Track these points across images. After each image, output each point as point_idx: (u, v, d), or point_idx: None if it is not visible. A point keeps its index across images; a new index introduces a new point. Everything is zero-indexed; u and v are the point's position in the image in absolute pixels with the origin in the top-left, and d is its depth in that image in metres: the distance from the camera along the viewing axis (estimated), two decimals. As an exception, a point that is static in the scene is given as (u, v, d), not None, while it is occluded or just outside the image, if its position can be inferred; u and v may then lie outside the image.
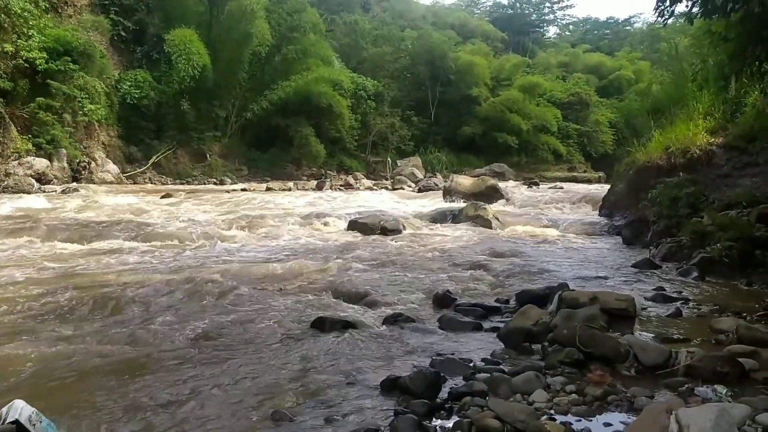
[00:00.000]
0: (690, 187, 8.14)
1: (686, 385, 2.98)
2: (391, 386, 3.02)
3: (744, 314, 4.39)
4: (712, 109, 10.03)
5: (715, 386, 2.94)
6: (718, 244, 6.13)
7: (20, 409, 2.46)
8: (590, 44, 61.37)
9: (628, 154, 12.63)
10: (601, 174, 35.34)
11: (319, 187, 21.92)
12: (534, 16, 68.40)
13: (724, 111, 9.81)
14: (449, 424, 2.62)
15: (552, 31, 73.97)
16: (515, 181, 27.87)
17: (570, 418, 2.66)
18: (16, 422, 2.41)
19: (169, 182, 23.30)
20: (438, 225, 10.83)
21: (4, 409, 2.48)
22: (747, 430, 2.28)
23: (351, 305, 4.85)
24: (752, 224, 6.33)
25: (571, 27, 74.43)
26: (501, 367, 3.33)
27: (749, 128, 8.67)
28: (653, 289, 5.37)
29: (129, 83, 24.17)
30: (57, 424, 2.53)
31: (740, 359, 3.16)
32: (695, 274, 6.03)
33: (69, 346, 3.62)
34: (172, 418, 2.72)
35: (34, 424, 2.43)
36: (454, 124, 37.96)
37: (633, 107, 34.85)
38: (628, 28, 67.33)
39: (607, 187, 13.69)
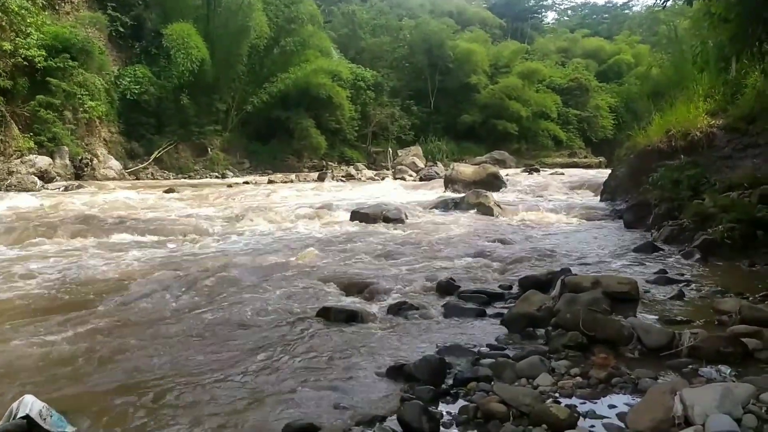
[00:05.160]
0: (691, 169, 8.13)
1: (690, 366, 3.00)
2: (396, 373, 3.05)
3: (747, 295, 4.40)
4: (713, 91, 9.99)
5: (719, 366, 2.96)
6: (720, 226, 6.12)
7: (30, 403, 2.48)
8: (589, 29, 61.12)
9: (629, 138, 12.63)
10: (602, 159, 35.40)
11: (321, 179, 21.90)
12: (532, 1, 67.91)
13: (725, 93, 9.77)
14: (455, 409, 2.65)
15: (550, 17, 73.90)
16: (516, 168, 27.86)
17: (575, 400, 2.68)
18: (27, 417, 2.42)
19: (171, 177, 23.27)
20: (440, 213, 10.85)
21: (15, 405, 2.50)
22: (751, 408, 2.28)
23: (355, 294, 4.87)
24: (754, 205, 6.33)
25: (569, 12, 74.33)
26: (505, 352, 3.35)
27: (750, 109, 8.65)
28: (655, 272, 5.37)
29: (128, 79, 24.09)
30: (67, 418, 2.55)
31: (743, 339, 3.18)
32: (697, 256, 6.02)
33: (77, 341, 3.65)
34: (179, 408, 2.74)
35: (44, 419, 2.45)
36: (454, 113, 37.91)
37: (633, 91, 34.88)
38: (626, 11, 67.17)
39: (608, 171, 13.69)
